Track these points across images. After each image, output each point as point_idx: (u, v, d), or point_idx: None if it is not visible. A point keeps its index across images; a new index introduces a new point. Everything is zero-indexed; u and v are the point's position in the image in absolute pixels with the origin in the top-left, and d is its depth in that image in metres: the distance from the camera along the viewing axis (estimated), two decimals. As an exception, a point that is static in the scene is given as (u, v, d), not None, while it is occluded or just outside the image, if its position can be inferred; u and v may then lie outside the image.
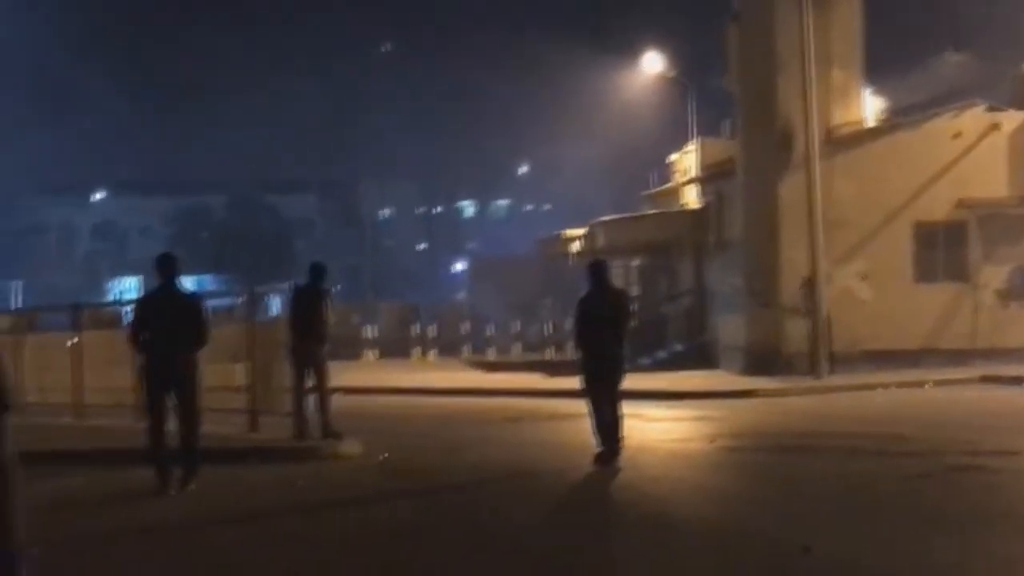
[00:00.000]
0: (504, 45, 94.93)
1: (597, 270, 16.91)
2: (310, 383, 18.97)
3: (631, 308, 17.59)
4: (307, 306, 18.83)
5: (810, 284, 31.23)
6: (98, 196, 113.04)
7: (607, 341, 16.41)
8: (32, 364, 24.14)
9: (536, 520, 12.99)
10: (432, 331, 51.28)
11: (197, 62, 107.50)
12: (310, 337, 18.74)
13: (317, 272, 19.20)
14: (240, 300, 21.80)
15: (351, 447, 18.36)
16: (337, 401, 28.05)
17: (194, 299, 15.63)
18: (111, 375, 21.85)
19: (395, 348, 49.56)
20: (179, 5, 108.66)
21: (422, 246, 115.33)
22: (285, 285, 20.18)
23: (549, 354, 48.02)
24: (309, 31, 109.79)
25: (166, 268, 15.27)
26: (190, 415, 15.11)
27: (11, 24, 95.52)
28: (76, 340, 23.30)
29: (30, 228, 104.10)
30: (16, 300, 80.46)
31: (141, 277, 76.04)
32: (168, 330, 14.95)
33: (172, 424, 15.19)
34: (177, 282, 15.38)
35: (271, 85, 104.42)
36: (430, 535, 12.36)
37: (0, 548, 3.87)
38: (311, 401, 18.98)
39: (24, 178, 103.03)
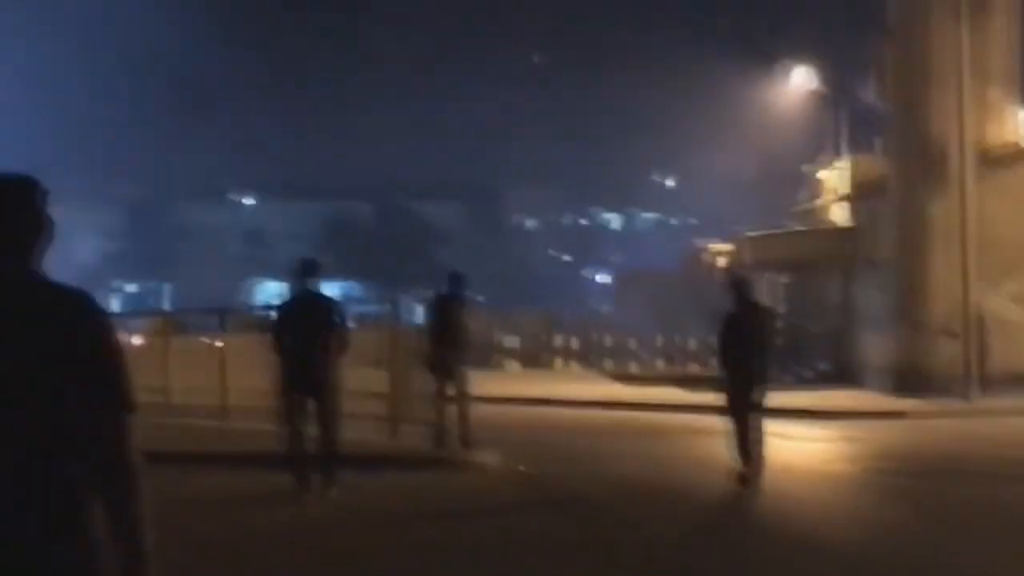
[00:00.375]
0: (655, 57, 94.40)
1: (740, 286, 16.67)
2: (450, 392, 18.90)
3: (775, 325, 17.29)
4: (446, 315, 18.78)
5: (962, 305, 30.61)
6: (248, 201, 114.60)
7: (750, 358, 16.15)
8: (178, 366, 24.41)
9: (670, 538, 12.80)
10: (574, 342, 51.12)
11: (348, 67, 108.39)
12: (449, 346, 18.67)
13: (456, 281, 19.15)
14: (383, 306, 21.89)
15: (488, 457, 18.28)
16: (476, 411, 28.23)
17: (334, 304, 15.65)
18: (256, 378, 21.99)
19: (536, 359, 49.48)
20: (331, 10, 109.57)
21: (566, 257, 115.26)
22: (428, 293, 20.17)
23: (692, 368, 47.65)
24: (459, 39, 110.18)
25: (307, 273, 15.31)
26: (329, 420, 15.11)
27: (166, 29, 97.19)
28: (221, 343, 23.50)
29: (181, 231, 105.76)
30: (165, 302, 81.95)
31: (287, 282, 76.61)
32: (308, 335, 14.96)
33: (312, 429, 15.21)
34: (318, 287, 15.39)
35: (421, 91, 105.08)
36: (561, 548, 12.24)
37: (127, 555, 3.83)
38: (451, 410, 18.90)
39: (177, 182, 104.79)
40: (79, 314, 3.85)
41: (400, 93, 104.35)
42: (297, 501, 14.66)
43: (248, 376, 22.54)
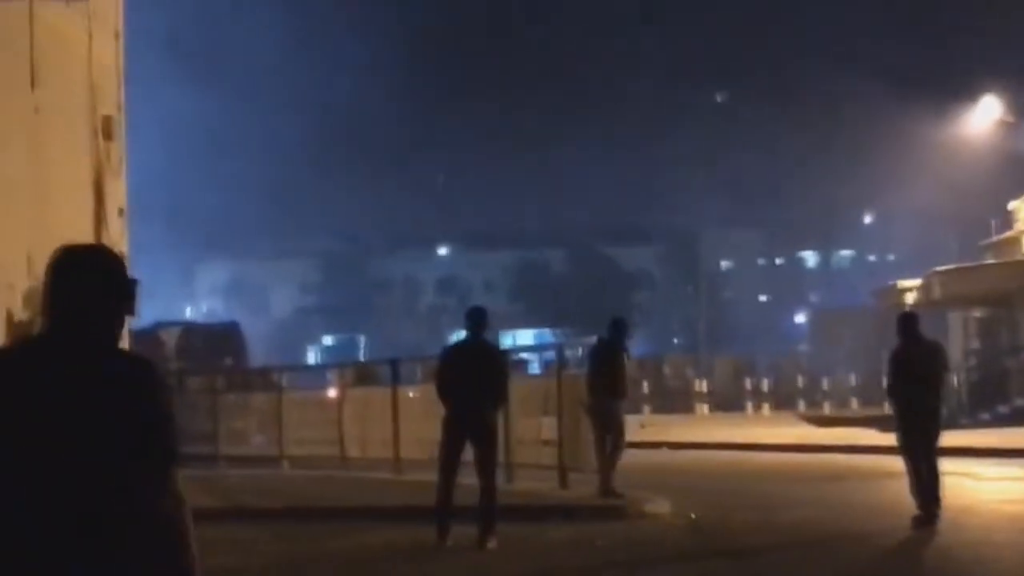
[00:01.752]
0: (844, 94, 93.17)
1: (907, 323, 16.18)
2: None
3: (946, 362, 16.68)
4: (605, 361, 18.48)
5: None
6: (442, 251, 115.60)
7: (921, 395, 15.61)
8: (354, 417, 24.45)
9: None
10: (766, 384, 50.38)
11: (539, 113, 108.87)
12: (607, 393, 18.34)
13: (618, 327, 18.85)
14: (573, 352, 21.68)
15: (659, 506, 17.90)
16: (660, 456, 27.89)
17: (499, 354, 15.53)
18: (428, 428, 21.90)
19: (728, 402, 48.91)
20: (516, 58, 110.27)
21: (763, 297, 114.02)
22: (592, 339, 19.88)
23: (887, 408, 46.49)
24: (650, 81, 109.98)
25: (474, 322, 15.19)
26: (489, 469, 14.93)
27: (363, 83, 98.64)
28: (413, 393, 23.43)
29: (378, 282, 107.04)
30: (360, 353, 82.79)
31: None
32: (470, 384, 14.82)
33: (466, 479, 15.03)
34: (484, 336, 15.30)
35: (613, 134, 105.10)
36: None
37: None
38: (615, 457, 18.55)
39: (371, 234, 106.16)
40: (137, 378, 4.13)
41: (591, 137, 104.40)
42: (438, 554, 14.47)
43: (422, 426, 22.49)
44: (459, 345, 15.54)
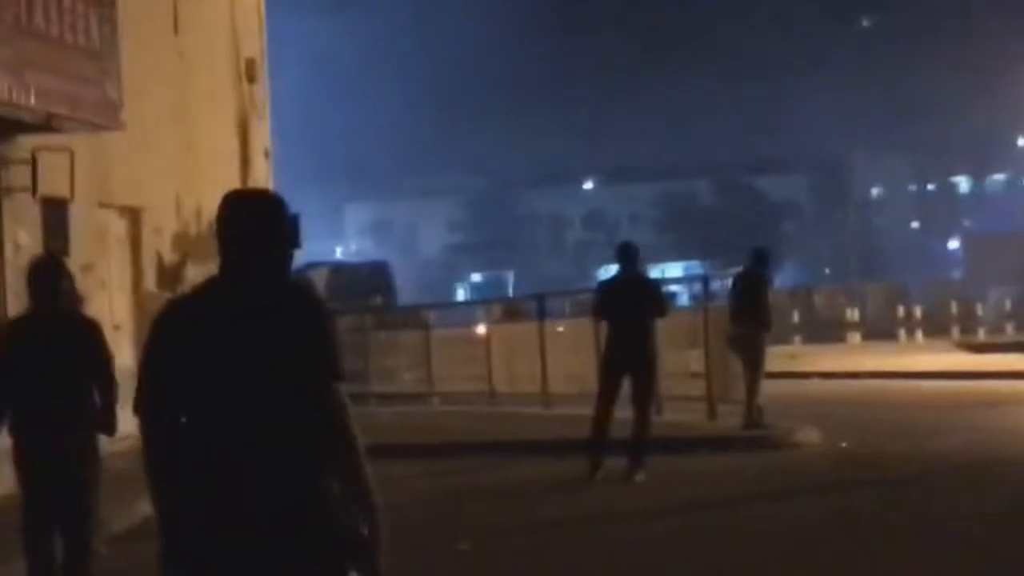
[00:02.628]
0: (994, 11, 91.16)
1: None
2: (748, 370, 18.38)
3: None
4: (748, 293, 18.31)
5: None
6: (588, 185, 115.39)
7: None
8: (502, 353, 24.50)
9: (991, 515, 12.11)
10: (918, 312, 49.61)
11: (681, 44, 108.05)
12: (750, 324, 18.16)
13: (759, 258, 18.64)
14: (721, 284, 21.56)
15: (809, 435, 17.76)
16: (811, 386, 27.63)
17: (654, 285, 15.64)
18: (576, 362, 21.92)
19: (881, 330, 48.19)
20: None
21: (914, 224, 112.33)
22: (735, 271, 19.72)
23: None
24: (791, 8, 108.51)
25: (626, 256, 15.22)
26: (645, 401, 14.94)
27: (508, 19, 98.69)
28: (540, 328, 23.42)
29: (524, 218, 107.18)
30: (509, 290, 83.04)
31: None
32: (629, 315, 14.88)
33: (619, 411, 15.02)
34: (636, 270, 15.32)
35: (755, 64, 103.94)
36: (875, 528, 11.73)
37: (363, 510, 4.75)
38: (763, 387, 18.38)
39: (514, 172, 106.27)
40: (304, 306, 4.80)
41: (734, 67, 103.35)
42: (587, 485, 14.50)
43: (572, 361, 22.51)
44: (614, 279, 15.54)
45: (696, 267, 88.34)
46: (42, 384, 8.70)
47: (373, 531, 4.75)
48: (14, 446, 8.82)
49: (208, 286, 4.89)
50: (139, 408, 4.81)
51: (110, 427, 8.88)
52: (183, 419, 4.76)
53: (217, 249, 4.89)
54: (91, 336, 8.91)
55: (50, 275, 8.95)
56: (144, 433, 4.81)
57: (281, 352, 4.68)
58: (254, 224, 4.83)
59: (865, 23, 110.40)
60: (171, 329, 4.82)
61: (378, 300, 35.19)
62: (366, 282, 37.32)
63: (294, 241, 4.92)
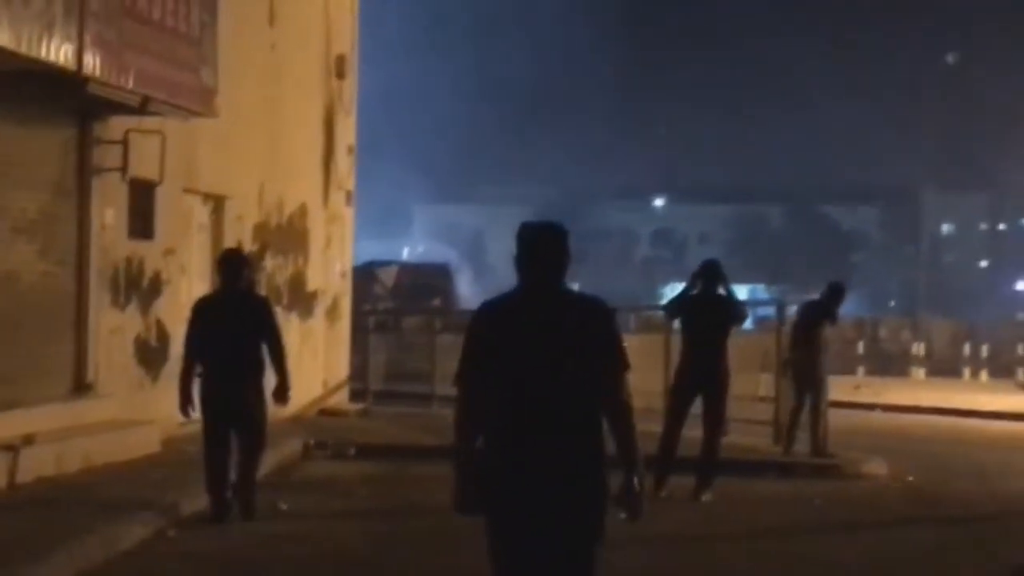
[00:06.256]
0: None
1: None
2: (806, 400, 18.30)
3: None
4: (810, 322, 18.30)
5: None
6: (659, 202, 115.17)
7: None
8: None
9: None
10: (984, 351, 49.24)
11: (761, 69, 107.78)
12: (804, 349, 18.15)
13: (834, 292, 18.58)
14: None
15: (876, 467, 17.67)
16: (876, 419, 27.46)
17: (734, 304, 15.45)
18: (644, 378, 21.85)
19: (945, 367, 47.87)
20: (745, 15, 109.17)
21: (983, 263, 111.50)
22: (806, 297, 19.67)
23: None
24: (874, 40, 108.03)
25: (710, 273, 15.19)
26: (715, 421, 14.96)
27: (587, 33, 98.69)
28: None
29: (594, 232, 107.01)
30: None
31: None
32: (706, 334, 14.90)
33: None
34: (718, 287, 15.22)
35: (834, 91, 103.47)
36: (943, 562, 11.68)
37: (627, 464, 6.23)
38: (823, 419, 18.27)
39: (584, 184, 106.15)
40: (598, 312, 6.26)
41: (813, 95, 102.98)
42: (653, 502, 14.43)
43: (644, 377, 22.43)
44: (698, 295, 15.43)
45: (761, 291, 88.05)
46: (227, 345, 12.19)
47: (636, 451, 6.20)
48: (203, 390, 12.25)
49: (521, 292, 6.27)
50: (459, 378, 6.23)
51: (284, 396, 12.40)
52: (497, 387, 6.11)
53: (516, 265, 6.26)
54: (264, 311, 12.51)
55: (239, 264, 12.50)
56: (461, 395, 6.23)
57: (587, 346, 6.10)
58: (555, 248, 6.25)
59: (950, 59, 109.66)
60: (491, 323, 6.23)
61: (437, 301, 35.19)
62: (427, 283, 37.32)
63: (570, 257, 6.31)
